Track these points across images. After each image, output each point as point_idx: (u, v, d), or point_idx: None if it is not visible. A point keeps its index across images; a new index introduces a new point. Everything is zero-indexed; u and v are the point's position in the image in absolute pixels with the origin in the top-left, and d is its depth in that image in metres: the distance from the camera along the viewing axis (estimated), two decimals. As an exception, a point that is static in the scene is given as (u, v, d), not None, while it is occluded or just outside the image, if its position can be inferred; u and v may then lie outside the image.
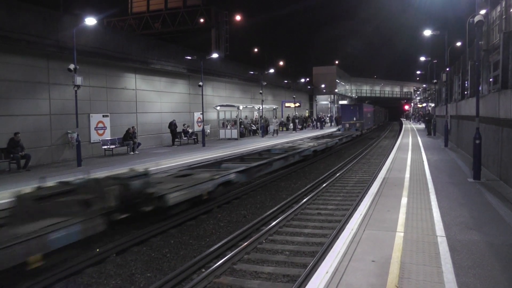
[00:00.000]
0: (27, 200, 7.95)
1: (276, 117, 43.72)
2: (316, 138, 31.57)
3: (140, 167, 11.00)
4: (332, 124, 67.53)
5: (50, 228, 7.09)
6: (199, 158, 18.90)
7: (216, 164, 16.19)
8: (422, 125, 47.84)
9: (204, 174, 12.82)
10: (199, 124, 33.26)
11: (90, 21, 18.81)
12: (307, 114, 65.34)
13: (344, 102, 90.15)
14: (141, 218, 9.73)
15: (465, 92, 19.85)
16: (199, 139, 30.74)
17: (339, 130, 44.61)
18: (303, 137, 32.25)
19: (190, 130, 31.31)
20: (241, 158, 18.75)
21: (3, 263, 6.13)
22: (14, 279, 6.38)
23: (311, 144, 24.23)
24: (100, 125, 23.38)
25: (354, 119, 45.54)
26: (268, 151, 21.33)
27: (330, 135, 35.47)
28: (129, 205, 9.29)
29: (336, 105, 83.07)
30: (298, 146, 23.01)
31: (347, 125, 44.86)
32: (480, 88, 14.07)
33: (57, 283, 6.89)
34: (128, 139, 23.15)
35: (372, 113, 57.08)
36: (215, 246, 8.32)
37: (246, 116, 43.25)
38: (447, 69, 28.20)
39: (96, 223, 8.01)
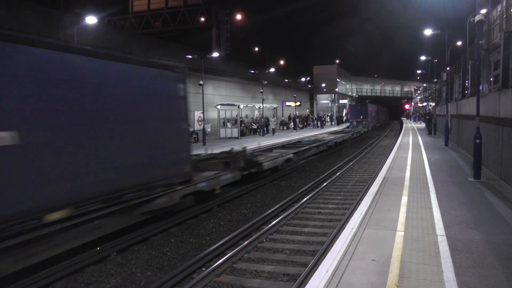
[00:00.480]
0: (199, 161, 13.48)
1: (274, 116, 43.74)
2: (334, 133, 38.42)
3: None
4: (333, 123, 67.51)
5: (220, 174, 12.47)
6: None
7: (268, 150, 21.58)
8: (423, 125, 47.82)
9: (273, 154, 18.65)
10: (200, 123, 33.27)
11: (91, 20, 18.85)
12: (307, 113, 65.31)
13: (345, 101, 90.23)
14: (252, 176, 15.08)
15: (466, 92, 19.84)
16: (199, 138, 30.75)
17: (348, 127, 50.29)
18: (309, 135, 35.20)
19: (191, 129, 31.31)
20: (283, 146, 24.58)
21: (209, 186, 11.62)
22: (14, 278, 6.39)
23: (332, 137, 30.63)
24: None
25: (361, 117, 50.85)
26: (299, 142, 26.94)
27: (342, 131, 41.39)
28: (247, 166, 14.63)
29: (336, 104, 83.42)
30: (321, 138, 28.94)
31: (355, 123, 50.18)
32: (480, 88, 14.07)
33: (57, 282, 6.90)
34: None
35: (376, 112, 61.65)
36: (216, 245, 8.33)
37: (246, 115, 43.25)
38: (448, 68, 28.17)
39: (236, 174, 13.48)
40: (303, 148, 22.02)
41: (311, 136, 32.75)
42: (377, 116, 62.68)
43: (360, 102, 69.60)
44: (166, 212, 10.02)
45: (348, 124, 53.87)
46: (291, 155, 18.84)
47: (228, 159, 13.91)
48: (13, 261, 6.41)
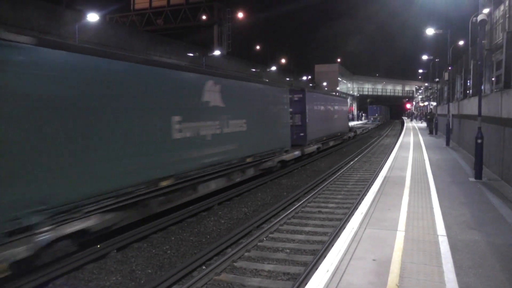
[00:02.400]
0: None
1: None
2: (363, 124, 61.78)
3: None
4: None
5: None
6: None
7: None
8: (424, 124, 47.76)
9: (356, 127, 41.92)
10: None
11: (92, 17, 18.83)
12: None
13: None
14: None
15: (467, 91, 19.80)
16: None
17: (368, 121, 76.24)
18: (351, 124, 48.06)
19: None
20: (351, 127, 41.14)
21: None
22: (15, 277, 6.38)
23: (367, 126, 51.07)
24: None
25: (376, 114, 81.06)
26: (355, 126, 47.08)
27: (366, 123, 67.12)
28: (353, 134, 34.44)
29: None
30: (363, 126, 47.56)
31: (372, 118, 79.96)
32: (482, 88, 14.03)
33: (58, 279, 6.90)
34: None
35: (385, 111, 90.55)
36: (216, 243, 8.34)
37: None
38: (449, 68, 28.07)
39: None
40: (365, 127, 45.90)
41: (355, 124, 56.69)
42: (385, 114, 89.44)
43: (379, 105, 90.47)
44: (270, 170, 16.52)
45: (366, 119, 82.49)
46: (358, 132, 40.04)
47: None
48: (158, 204, 9.78)
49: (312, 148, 22.47)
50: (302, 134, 21.42)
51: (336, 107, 31.19)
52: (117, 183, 8.59)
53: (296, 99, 21.39)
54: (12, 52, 6.62)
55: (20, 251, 6.28)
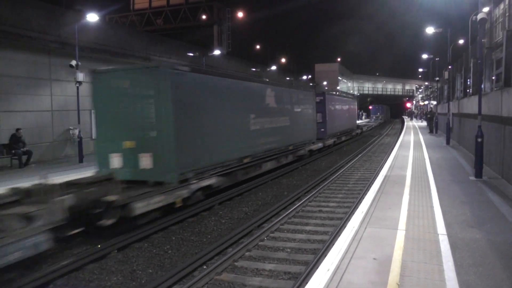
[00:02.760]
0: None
1: None
2: (367, 122, 68.11)
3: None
4: None
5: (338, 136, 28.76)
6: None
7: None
8: (424, 123, 47.78)
9: (363, 125, 48.29)
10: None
11: (92, 17, 18.82)
12: None
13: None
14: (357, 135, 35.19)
15: (467, 90, 19.80)
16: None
17: (370, 120, 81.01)
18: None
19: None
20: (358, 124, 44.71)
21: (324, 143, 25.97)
22: (15, 277, 6.39)
23: (370, 124, 60.83)
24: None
25: (378, 114, 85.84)
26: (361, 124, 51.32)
27: (369, 122, 73.10)
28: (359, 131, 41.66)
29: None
30: (366, 124, 60.73)
31: (374, 117, 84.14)
32: (482, 86, 14.03)
33: (58, 279, 6.90)
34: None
35: (386, 110, 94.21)
36: (217, 243, 8.34)
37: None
38: (450, 66, 28.07)
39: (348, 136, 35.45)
40: (369, 125, 54.89)
41: (359, 122, 54.44)
42: (386, 113, 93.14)
43: (381, 105, 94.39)
44: (301, 157, 20.61)
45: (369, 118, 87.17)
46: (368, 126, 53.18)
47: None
48: (241, 175, 14.07)
49: (330, 141, 27.17)
50: (322, 129, 25.80)
51: (347, 107, 36.11)
52: (223, 158, 13.01)
53: (318, 100, 25.32)
54: (181, 76, 11.04)
55: (184, 192, 10.59)
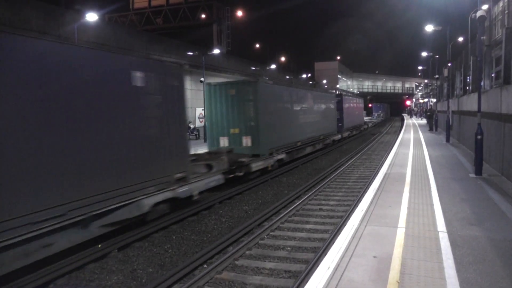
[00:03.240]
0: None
1: None
2: (371, 119, 73.87)
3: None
4: None
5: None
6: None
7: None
8: (424, 121, 47.78)
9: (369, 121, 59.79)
10: (201, 120, 33.27)
11: (91, 16, 18.82)
12: None
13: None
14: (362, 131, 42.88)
15: (467, 88, 19.78)
16: (200, 135, 30.74)
17: (372, 118, 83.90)
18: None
19: (192, 126, 31.30)
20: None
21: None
22: (16, 275, 6.40)
23: (373, 121, 68.96)
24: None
25: (379, 111, 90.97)
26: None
27: (372, 119, 77.84)
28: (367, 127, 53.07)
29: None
30: (370, 120, 66.17)
31: (376, 115, 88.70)
32: (482, 84, 14.02)
33: (59, 279, 6.91)
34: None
35: (387, 108, 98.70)
36: (217, 242, 8.35)
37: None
38: (449, 64, 28.04)
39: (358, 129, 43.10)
40: (372, 122, 63.48)
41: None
42: (387, 111, 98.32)
43: (382, 103, 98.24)
44: (327, 145, 26.40)
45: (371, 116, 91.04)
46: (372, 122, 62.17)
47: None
48: (295, 153, 19.97)
49: (346, 134, 33.95)
50: (340, 124, 31.74)
51: (357, 106, 42.86)
52: (287, 141, 18.70)
53: (336, 100, 31.62)
54: (267, 87, 17.52)
55: (271, 161, 16.46)
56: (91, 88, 7.74)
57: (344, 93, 44.06)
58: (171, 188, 9.68)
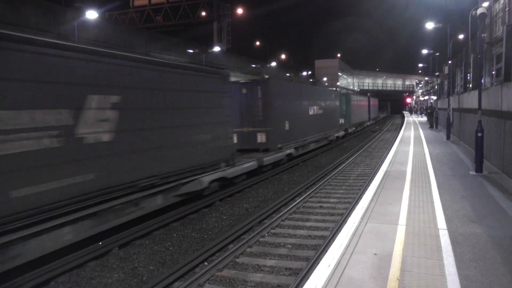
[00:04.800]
0: None
1: None
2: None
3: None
4: None
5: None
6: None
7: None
8: (424, 118, 47.75)
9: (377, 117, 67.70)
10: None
11: (91, 14, 18.79)
12: None
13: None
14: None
15: (468, 85, 19.77)
16: None
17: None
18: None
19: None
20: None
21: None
22: (17, 274, 6.41)
23: (381, 116, 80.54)
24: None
25: (383, 108, 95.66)
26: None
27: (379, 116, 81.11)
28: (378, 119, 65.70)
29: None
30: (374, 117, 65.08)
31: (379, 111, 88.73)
32: (482, 81, 14.01)
33: (60, 276, 6.93)
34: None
35: (390, 105, 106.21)
36: (218, 240, 8.36)
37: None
38: (450, 61, 28.02)
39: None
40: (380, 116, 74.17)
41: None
42: (388, 108, 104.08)
43: (386, 101, 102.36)
44: (331, 141, 27.28)
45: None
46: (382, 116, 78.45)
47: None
48: (302, 149, 20.88)
49: (351, 130, 35.11)
50: (347, 120, 33.84)
51: (362, 103, 46.36)
52: (295, 138, 19.53)
53: (345, 99, 34.10)
54: (276, 85, 18.07)
55: (281, 155, 17.27)
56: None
57: (351, 92, 46.10)
58: (222, 169, 12.31)
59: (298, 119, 20.04)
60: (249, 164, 14.28)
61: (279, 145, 17.26)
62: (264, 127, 16.46)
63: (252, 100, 16.57)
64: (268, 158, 15.79)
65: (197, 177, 10.91)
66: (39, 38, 6.95)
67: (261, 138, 16.50)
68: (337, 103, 30.45)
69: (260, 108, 16.51)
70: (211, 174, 11.55)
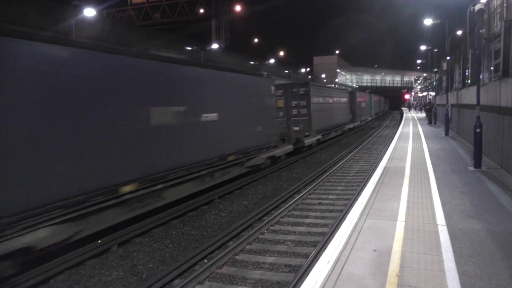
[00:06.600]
0: None
1: None
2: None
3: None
4: None
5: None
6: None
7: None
8: (423, 114, 47.78)
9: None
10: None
11: (89, 12, 18.74)
12: None
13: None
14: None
15: (466, 81, 19.78)
16: None
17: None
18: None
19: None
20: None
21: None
22: (16, 273, 6.41)
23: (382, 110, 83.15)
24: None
25: (384, 104, 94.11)
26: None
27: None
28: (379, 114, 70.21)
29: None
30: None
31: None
32: (481, 77, 14.01)
33: (59, 275, 6.93)
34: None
35: (389, 101, 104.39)
36: (217, 237, 8.36)
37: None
38: (448, 57, 28.01)
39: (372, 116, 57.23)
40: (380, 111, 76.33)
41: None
42: (389, 104, 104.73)
43: (386, 98, 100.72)
44: (344, 132, 33.45)
45: None
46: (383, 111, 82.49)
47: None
48: (325, 137, 26.79)
49: (357, 123, 39.15)
50: (355, 113, 38.46)
51: (365, 100, 49.73)
52: (320, 127, 24.59)
53: (350, 96, 37.82)
54: (314, 87, 24.31)
55: (314, 140, 23.08)
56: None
57: (359, 89, 47.85)
58: (271, 150, 16.40)
59: (324, 114, 25.63)
60: (288, 147, 18.41)
61: (314, 133, 22.77)
62: (305, 118, 22.24)
63: (299, 98, 22.21)
64: (308, 141, 21.39)
65: (259, 154, 15.13)
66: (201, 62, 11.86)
67: (303, 126, 22.13)
68: (348, 100, 36.16)
69: (303, 104, 22.13)
70: (266, 153, 15.76)
